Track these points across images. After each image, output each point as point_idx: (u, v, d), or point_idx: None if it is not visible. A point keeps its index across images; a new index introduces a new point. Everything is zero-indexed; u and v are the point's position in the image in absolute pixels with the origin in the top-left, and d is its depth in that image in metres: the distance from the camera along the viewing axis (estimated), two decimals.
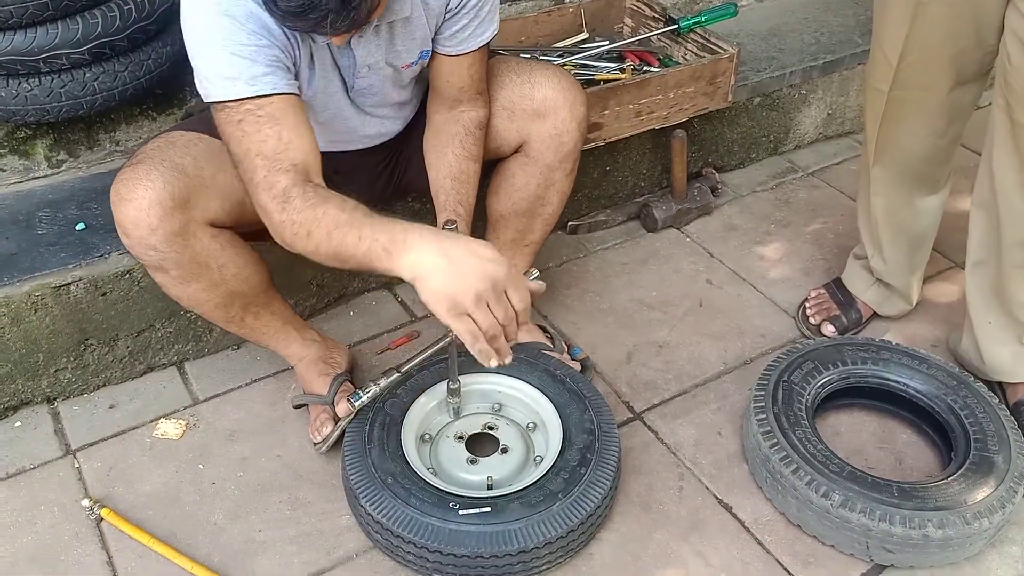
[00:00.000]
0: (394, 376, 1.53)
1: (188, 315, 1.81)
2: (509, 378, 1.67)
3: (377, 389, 1.52)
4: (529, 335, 1.83)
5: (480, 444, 1.63)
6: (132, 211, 1.36)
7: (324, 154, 1.38)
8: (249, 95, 1.25)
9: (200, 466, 1.64)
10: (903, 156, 1.75)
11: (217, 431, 1.72)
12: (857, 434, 1.74)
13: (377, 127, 1.60)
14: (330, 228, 1.21)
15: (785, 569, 1.50)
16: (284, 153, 1.26)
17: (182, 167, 1.40)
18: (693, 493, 1.62)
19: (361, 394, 1.52)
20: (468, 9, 1.46)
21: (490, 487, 1.53)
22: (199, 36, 1.27)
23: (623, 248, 2.23)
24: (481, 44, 1.51)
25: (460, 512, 1.41)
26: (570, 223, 2.24)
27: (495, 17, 1.52)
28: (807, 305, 2.00)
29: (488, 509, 1.42)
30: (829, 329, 1.94)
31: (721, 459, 1.69)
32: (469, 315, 1.15)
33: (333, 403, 1.64)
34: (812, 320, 1.97)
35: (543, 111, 1.58)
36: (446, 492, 1.46)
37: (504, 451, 1.59)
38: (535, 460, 1.59)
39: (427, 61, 1.52)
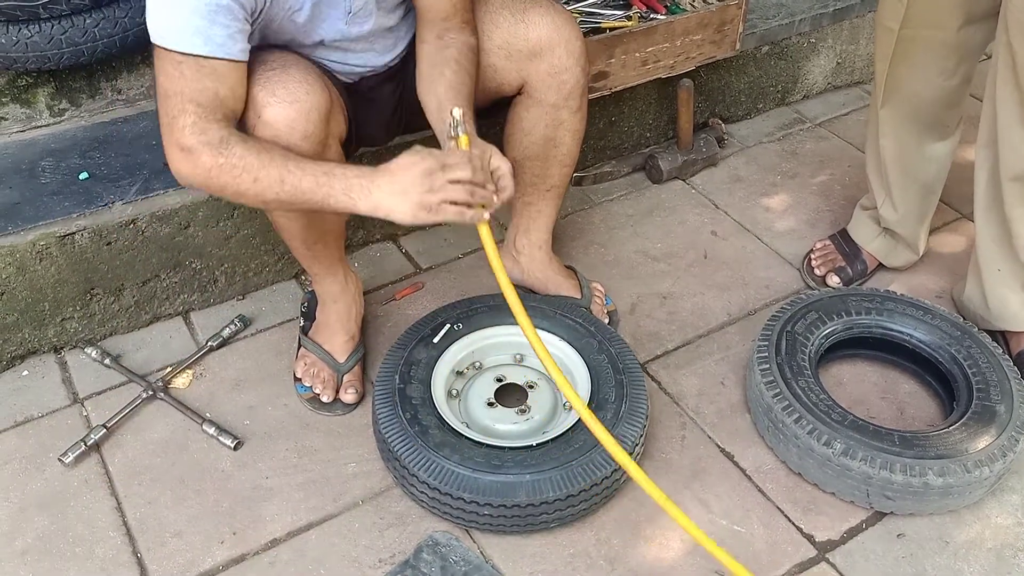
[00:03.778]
0: None
1: (193, 265, 1.81)
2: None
3: None
4: (558, 284, 1.84)
5: (503, 394, 1.64)
6: (292, 113, 1.33)
7: (346, 87, 1.47)
8: (200, 53, 1.26)
9: (207, 414, 1.66)
10: (912, 97, 1.74)
11: (223, 380, 1.74)
12: (860, 384, 1.75)
13: (374, 56, 1.56)
14: (282, 174, 1.29)
15: (785, 516, 1.52)
16: (218, 107, 1.29)
17: (324, 79, 1.41)
18: (696, 442, 1.64)
19: None
20: None
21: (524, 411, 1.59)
22: None
23: (628, 200, 2.22)
24: None
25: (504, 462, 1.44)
26: (575, 174, 2.22)
27: None
28: (812, 256, 2.00)
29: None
30: (834, 280, 1.93)
31: (723, 408, 1.70)
32: (439, 205, 1.30)
33: (341, 375, 1.69)
34: (817, 271, 1.97)
35: (538, 50, 1.56)
36: (492, 446, 1.47)
37: (523, 411, 1.59)
38: (564, 406, 1.61)
39: None
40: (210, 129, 1.28)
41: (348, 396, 1.67)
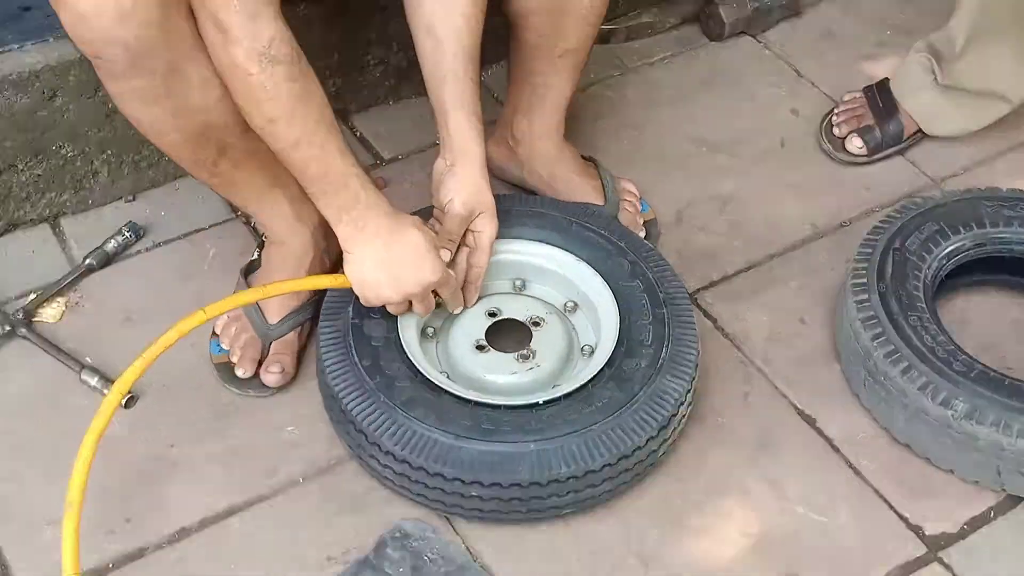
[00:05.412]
0: None
1: (63, 151, 1.81)
2: (534, 244, 1.69)
3: None
4: (571, 184, 1.84)
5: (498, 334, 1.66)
6: None
7: None
8: None
9: (87, 359, 1.67)
10: None
11: (109, 312, 1.75)
12: (993, 323, 1.77)
13: None
14: (302, 138, 1.40)
15: (886, 501, 1.55)
16: None
17: None
18: (764, 401, 1.66)
19: None
20: None
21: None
22: None
23: (675, 64, 2.22)
24: None
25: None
26: (601, 27, 2.20)
27: None
28: (834, 113, 2.03)
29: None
30: (856, 144, 1.99)
31: (804, 356, 1.72)
32: (399, 303, 1.53)
33: (268, 343, 1.66)
34: (836, 131, 2.01)
35: None
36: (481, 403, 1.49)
37: (525, 358, 1.60)
38: (582, 350, 1.63)
39: None
40: (262, 18, 1.32)
41: (269, 377, 1.64)
